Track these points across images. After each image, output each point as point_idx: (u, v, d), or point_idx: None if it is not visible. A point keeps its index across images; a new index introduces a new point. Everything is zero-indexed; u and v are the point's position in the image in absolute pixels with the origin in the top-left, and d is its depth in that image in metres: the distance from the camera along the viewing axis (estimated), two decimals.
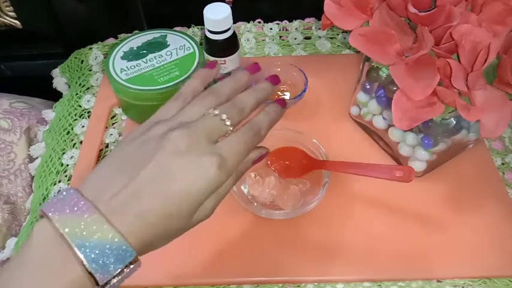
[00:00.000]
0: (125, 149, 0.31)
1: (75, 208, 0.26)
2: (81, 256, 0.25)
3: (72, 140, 0.59)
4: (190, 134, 0.30)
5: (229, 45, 0.56)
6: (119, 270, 0.26)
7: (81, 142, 0.59)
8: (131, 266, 0.27)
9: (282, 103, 0.37)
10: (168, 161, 0.29)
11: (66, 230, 0.26)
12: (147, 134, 0.31)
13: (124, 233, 0.27)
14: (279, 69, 0.61)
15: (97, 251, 0.25)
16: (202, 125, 0.31)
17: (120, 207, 0.28)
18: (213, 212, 0.32)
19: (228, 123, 0.32)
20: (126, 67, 0.56)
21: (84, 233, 0.26)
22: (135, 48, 0.58)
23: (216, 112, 0.32)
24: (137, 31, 0.62)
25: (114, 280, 0.26)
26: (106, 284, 0.26)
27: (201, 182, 0.29)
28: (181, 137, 0.30)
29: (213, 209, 0.32)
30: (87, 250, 0.25)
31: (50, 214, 0.26)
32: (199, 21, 0.55)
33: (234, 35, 0.57)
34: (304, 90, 0.58)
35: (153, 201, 0.28)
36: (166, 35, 0.60)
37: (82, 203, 0.27)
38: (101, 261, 0.25)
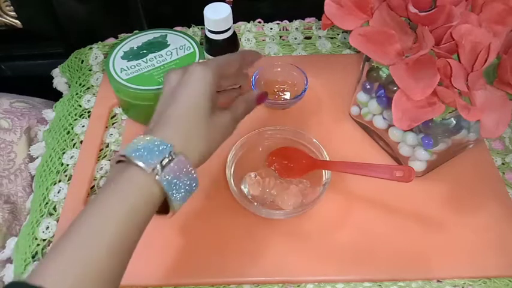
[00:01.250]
0: None
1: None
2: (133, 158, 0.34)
3: (72, 140, 0.59)
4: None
5: (230, 45, 0.56)
6: (163, 159, 0.34)
7: (81, 142, 0.59)
8: (173, 156, 0.34)
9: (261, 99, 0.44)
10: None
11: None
12: None
13: (162, 137, 0.35)
14: (279, 69, 0.61)
15: (144, 152, 0.34)
16: None
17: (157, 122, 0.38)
18: (232, 124, 0.40)
19: None
20: (126, 67, 0.56)
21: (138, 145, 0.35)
22: (135, 48, 0.58)
23: None
24: (137, 31, 0.62)
25: (165, 172, 0.34)
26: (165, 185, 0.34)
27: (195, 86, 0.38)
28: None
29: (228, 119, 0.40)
30: (138, 153, 0.34)
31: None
32: (200, 21, 0.55)
33: (234, 34, 0.57)
34: (304, 90, 0.58)
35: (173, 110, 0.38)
36: (166, 35, 0.60)
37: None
38: (146, 154, 0.34)
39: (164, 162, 0.34)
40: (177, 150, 0.35)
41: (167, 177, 0.34)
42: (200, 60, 0.43)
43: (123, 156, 0.34)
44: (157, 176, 0.33)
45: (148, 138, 0.35)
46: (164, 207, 0.36)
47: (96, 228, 0.32)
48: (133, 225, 0.33)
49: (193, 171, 0.36)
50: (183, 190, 0.35)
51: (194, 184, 0.36)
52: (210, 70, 0.38)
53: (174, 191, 0.35)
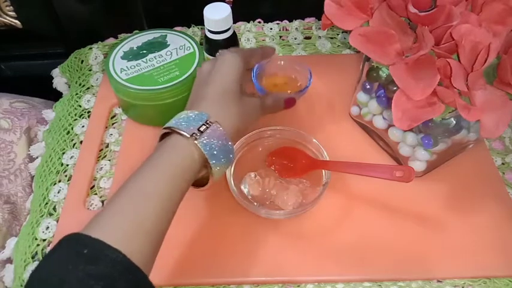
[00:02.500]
0: None
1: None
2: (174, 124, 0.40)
3: (72, 140, 0.59)
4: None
5: (229, 45, 0.56)
6: (200, 125, 0.39)
7: (81, 142, 0.59)
8: (209, 124, 0.39)
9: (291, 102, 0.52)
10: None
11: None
12: None
13: (199, 110, 0.41)
14: (282, 63, 0.59)
15: (184, 122, 0.40)
16: None
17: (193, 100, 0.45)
18: (259, 110, 0.47)
19: None
20: (126, 67, 0.56)
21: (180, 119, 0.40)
22: (135, 48, 0.58)
23: None
24: (137, 31, 0.62)
25: (203, 138, 0.39)
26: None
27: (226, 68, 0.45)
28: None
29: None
30: (178, 123, 0.40)
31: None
32: (199, 21, 0.55)
33: (234, 34, 0.57)
34: (307, 86, 0.56)
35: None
36: (166, 35, 0.60)
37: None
38: (186, 123, 0.39)
39: (202, 129, 0.39)
40: (213, 120, 0.40)
41: (205, 141, 0.38)
42: (231, 49, 0.48)
43: (167, 128, 0.40)
44: (196, 141, 0.38)
45: (187, 111, 0.41)
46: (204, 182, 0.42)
47: (147, 189, 0.36)
48: (178, 186, 0.37)
49: (229, 141, 0.40)
50: (221, 157, 0.39)
51: (231, 155, 0.41)
52: (239, 57, 0.45)
53: (212, 156, 0.39)
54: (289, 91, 0.58)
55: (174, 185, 0.37)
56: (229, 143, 0.40)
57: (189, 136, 0.38)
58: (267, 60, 0.56)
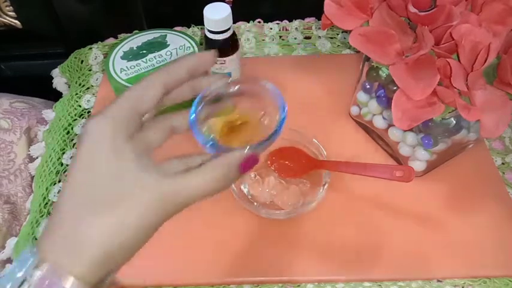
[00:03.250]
0: None
1: None
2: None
3: (72, 140, 0.59)
4: None
5: (229, 45, 0.56)
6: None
7: None
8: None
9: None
10: None
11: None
12: None
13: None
14: (236, 89, 0.33)
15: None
16: None
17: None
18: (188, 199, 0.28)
19: None
20: (126, 67, 0.56)
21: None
22: (135, 48, 0.58)
23: None
24: (137, 31, 0.62)
25: None
26: None
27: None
28: None
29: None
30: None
31: None
32: (199, 21, 0.55)
33: (234, 35, 0.56)
34: (282, 123, 0.31)
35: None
36: (166, 35, 0.60)
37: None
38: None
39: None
40: (48, 266, 0.25)
41: None
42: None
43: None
44: None
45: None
46: None
47: None
48: None
49: None
50: None
51: None
52: (109, 120, 0.27)
53: None
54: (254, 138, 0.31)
55: None
56: None
57: None
58: (217, 86, 0.32)
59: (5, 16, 0.73)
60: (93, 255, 0.25)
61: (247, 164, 0.29)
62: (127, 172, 0.26)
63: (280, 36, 0.71)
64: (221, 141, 0.32)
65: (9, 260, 0.51)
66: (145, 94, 0.29)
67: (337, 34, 0.71)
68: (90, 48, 0.70)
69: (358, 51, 0.68)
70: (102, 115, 0.27)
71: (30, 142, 0.63)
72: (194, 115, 0.31)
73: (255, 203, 0.50)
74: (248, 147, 0.29)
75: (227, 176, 0.28)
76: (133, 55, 0.57)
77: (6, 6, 0.72)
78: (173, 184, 0.27)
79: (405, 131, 0.49)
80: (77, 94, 0.65)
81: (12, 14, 0.73)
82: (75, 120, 0.62)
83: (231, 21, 0.54)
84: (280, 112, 0.33)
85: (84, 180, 0.26)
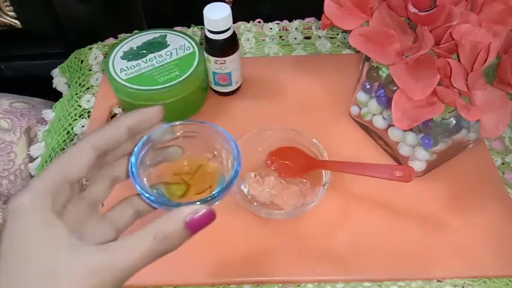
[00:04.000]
0: None
1: None
2: None
3: (72, 140, 0.59)
4: None
5: (229, 45, 0.56)
6: None
7: None
8: None
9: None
10: None
11: None
12: None
13: None
14: (178, 135, 0.33)
15: None
16: None
17: None
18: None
19: None
20: (126, 67, 0.56)
21: None
22: (135, 48, 0.58)
23: None
24: (137, 31, 0.62)
25: None
26: None
27: None
28: None
29: None
30: None
31: None
32: (199, 21, 0.55)
33: (234, 34, 0.57)
34: (235, 174, 0.31)
35: None
36: (166, 35, 0.60)
37: None
38: None
39: None
40: None
41: None
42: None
43: None
44: None
45: None
46: None
47: None
48: None
49: None
50: None
51: None
52: (33, 193, 0.25)
53: None
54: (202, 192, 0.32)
55: None
56: None
57: None
58: (161, 131, 0.31)
59: (5, 16, 0.73)
60: None
61: (198, 222, 0.26)
62: (57, 250, 0.24)
63: (280, 36, 0.71)
64: (170, 192, 0.29)
65: None
66: (74, 161, 0.27)
67: (337, 34, 0.71)
68: (90, 48, 0.70)
69: (358, 51, 0.68)
70: (25, 189, 0.25)
71: (30, 142, 0.63)
72: (135, 169, 0.28)
73: (255, 203, 0.50)
74: (197, 202, 0.25)
75: (170, 239, 0.25)
76: (133, 55, 0.58)
77: (6, 6, 0.72)
78: (108, 258, 0.25)
79: (405, 131, 0.49)
80: (77, 94, 0.65)
81: (12, 14, 0.73)
82: (75, 120, 0.62)
83: (231, 21, 0.54)
84: (233, 163, 0.31)
85: (16, 263, 0.24)
